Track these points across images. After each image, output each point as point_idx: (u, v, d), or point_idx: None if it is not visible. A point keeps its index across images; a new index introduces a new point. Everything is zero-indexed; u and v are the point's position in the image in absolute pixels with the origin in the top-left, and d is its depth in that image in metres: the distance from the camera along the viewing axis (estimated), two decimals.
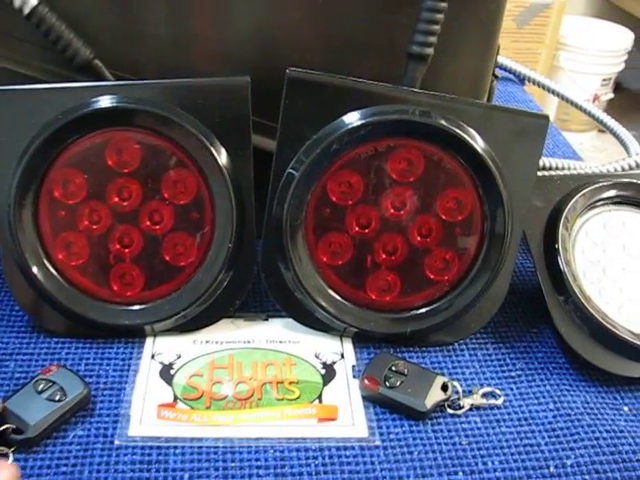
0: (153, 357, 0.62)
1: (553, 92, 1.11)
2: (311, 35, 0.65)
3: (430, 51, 0.62)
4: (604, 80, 2.87)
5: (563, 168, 0.86)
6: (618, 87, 3.11)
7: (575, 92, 1.13)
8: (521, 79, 1.20)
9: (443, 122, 0.59)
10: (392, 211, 0.61)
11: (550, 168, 0.86)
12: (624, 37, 2.85)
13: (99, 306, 0.62)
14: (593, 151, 2.76)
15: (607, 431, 0.57)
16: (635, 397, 0.62)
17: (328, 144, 0.59)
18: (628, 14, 2.96)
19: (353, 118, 0.59)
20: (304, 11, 0.63)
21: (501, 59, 1.13)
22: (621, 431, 0.58)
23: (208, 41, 0.65)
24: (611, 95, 2.95)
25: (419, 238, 0.62)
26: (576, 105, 1.10)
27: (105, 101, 0.59)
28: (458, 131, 0.59)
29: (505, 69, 1.14)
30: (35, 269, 0.60)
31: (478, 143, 0.59)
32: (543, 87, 1.12)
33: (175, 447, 0.54)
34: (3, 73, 0.64)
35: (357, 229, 0.62)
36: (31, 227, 0.60)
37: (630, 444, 0.56)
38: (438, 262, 0.62)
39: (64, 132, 0.59)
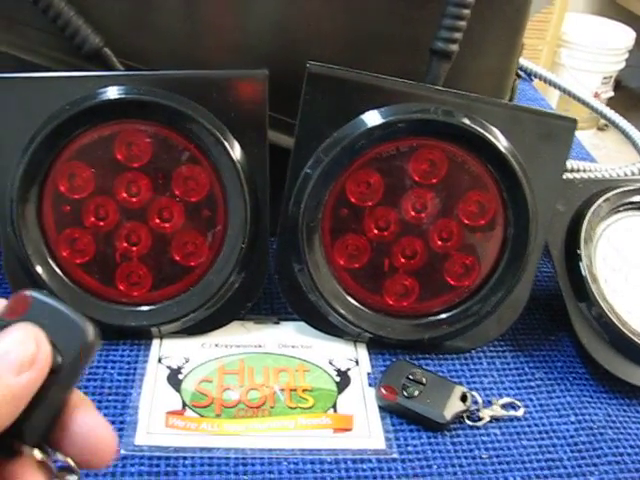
0: (160, 361, 0.59)
1: (556, 86, 1.08)
2: (332, 29, 0.62)
3: (455, 48, 0.59)
4: (605, 78, 2.86)
5: (579, 170, 0.84)
6: (618, 85, 3.11)
7: (580, 89, 1.11)
8: (528, 74, 1.18)
9: (467, 122, 0.57)
10: (412, 214, 0.59)
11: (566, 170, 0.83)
12: (626, 35, 2.84)
13: (104, 306, 0.60)
14: (592, 149, 2.73)
15: (631, 446, 0.55)
16: None
17: (348, 143, 0.56)
18: (630, 12, 2.94)
19: (374, 116, 0.57)
20: (325, 3, 0.61)
21: None
22: None
23: (224, 31, 0.62)
24: (611, 93, 2.94)
25: (439, 242, 0.60)
26: (581, 100, 1.08)
27: (115, 92, 0.56)
28: (482, 131, 0.57)
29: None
30: (39, 267, 0.58)
31: (503, 144, 0.57)
32: (546, 81, 1.10)
33: (184, 457, 0.51)
34: (8, 60, 0.61)
35: (376, 231, 0.59)
36: (34, 223, 0.58)
37: None
38: (458, 267, 0.60)
39: (71, 123, 0.56)
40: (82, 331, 0.36)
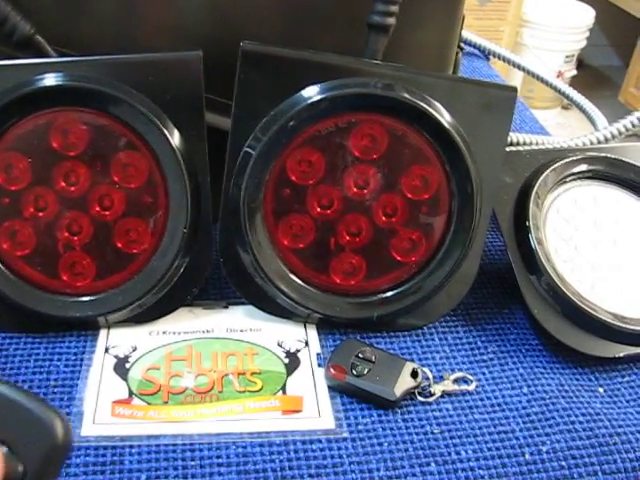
0: (107, 351, 0.58)
1: (519, 67, 1.08)
2: (267, 6, 0.61)
3: (392, 21, 0.58)
4: (567, 57, 2.87)
5: (531, 143, 0.84)
6: (581, 64, 3.12)
7: (541, 68, 1.11)
8: (486, 54, 1.18)
9: (407, 95, 0.56)
10: (355, 190, 0.58)
11: (518, 143, 0.83)
12: (586, 14, 2.86)
13: (48, 298, 0.59)
14: (557, 128, 2.76)
15: (583, 414, 0.55)
16: (610, 378, 0.60)
17: (286, 120, 0.55)
18: None
19: (312, 92, 0.56)
20: None
21: (466, 34, 1.10)
22: (597, 414, 0.55)
23: (158, 13, 0.61)
24: (574, 72, 2.95)
25: (384, 218, 0.59)
26: (543, 80, 1.08)
27: (48, 79, 0.55)
28: (423, 104, 0.56)
29: (470, 44, 1.12)
30: None
31: (444, 117, 0.57)
32: (509, 62, 1.10)
33: (131, 446, 0.51)
34: None
35: (319, 210, 0.59)
36: None
37: (607, 427, 0.54)
38: (405, 243, 0.60)
39: (4, 113, 0.55)
40: (49, 430, 0.28)
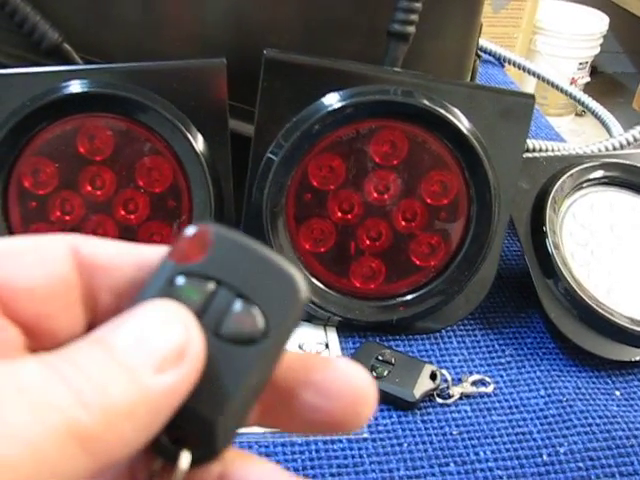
0: None
1: (534, 74, 1.09)
2: (289, 14, 0.62)
3: (412, 29, 0.60)
4: (580, 64, 2.87)
5: (547, 150, 0.85)
6: (594, 71, 3.12)
7: (555, 75, 1.12)
8: (501, 61, 1.19)
9: (426, 102, 0.57)
10: (375, 195, 0.59)
11: (534, 150, 0.84)
12: (599, 21, 2.86)
13: None
14: (571, 135, 2.76)
15: (600, 417, 0.56)
16: (626, 381, 0.61)
17: (308, 126, 0.57)
18: None
19: (333, 99, 0.57)
20: None
21: (481, 41, 1.11)
22: (614, 416, 0.56)
23: (182, 22, 0.62)
24: (588, 79, 2.96)
25: (404, 223, 0.60)
26: (557, 87, 1.09)
27: (75, 86, 0.56)
28: (442, 111, 0.57)
29: (485, 51, 1.13)
30: None
31: (463, 123, 0.58)
32: (524, 69, 1.11)
33: None
34: None
35: (339, 214, 0.60)
36: (0, 219, 0.58)
37: (623, 429, 0.55)
38: (424, 247, 0.61)
39: (33, 119, 0.56)
40: (292, 284, 0.26)
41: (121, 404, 0.22)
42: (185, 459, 0.25)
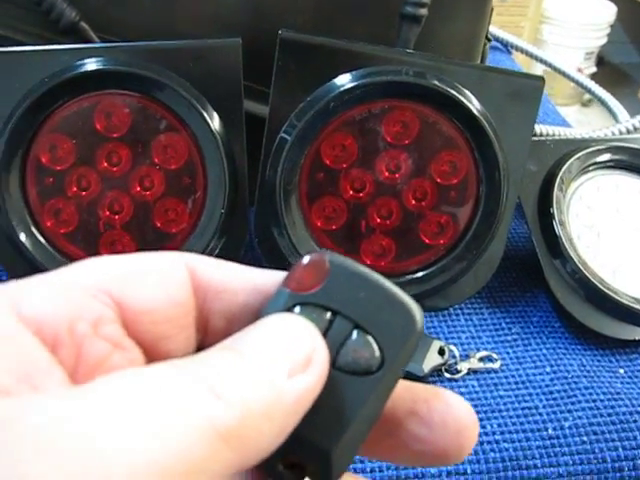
0: None
1: (542, 61, 1.10)
2: None
3: (424, 12, 0.60)
4: (587, 54, 2.88)
5: (554, 135, 0.86)
6: (601, 61, 3.12)
7: (562, 62, 1.13)
8: (508, 48, 1.20)
9: (438, 83, 0.58)
10: (387, 174, 0.61)
11: (541, 135, 0.85)
12: (607, 10, 2.86)
13: None
14: (577, 124, 2.76)
15: (604, 393, 0.57)
16: (630, 360, 0.62)
17: (321, 106, 0.58)
18: None
19: (346, 79, 0.58)
20: None
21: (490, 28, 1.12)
22: (617, 393, 0.57)
23: (197, 2, 0.63)
24: (594, 69, 2.96)
25: (414, 202, 0.61)
26: (564, 74, 1.10)
27: (93, 64, 0.57)
28: (453, 92, 0.58)
29: (493, 38, 1.13)
30: (22, 236, 0.59)
31: (473, 104, 0.59)
32: (532, 56, 1.12)
33: None
34: None
35: (351, 193, 0.61)
36: (18, 194, 0.59)
37: (627, 405, 0.56)
38: (433, 226, 0.62)
39: (51, 96, 0.57)
40: (408, 314, 0.26)
41: (259, 403, 0.23)
42: None
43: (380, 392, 0.26)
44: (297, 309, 0.27)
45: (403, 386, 0.29)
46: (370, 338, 0.26)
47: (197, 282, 0.28)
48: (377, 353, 0.26)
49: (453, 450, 0.28)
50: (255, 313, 0.28)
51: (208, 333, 0.29)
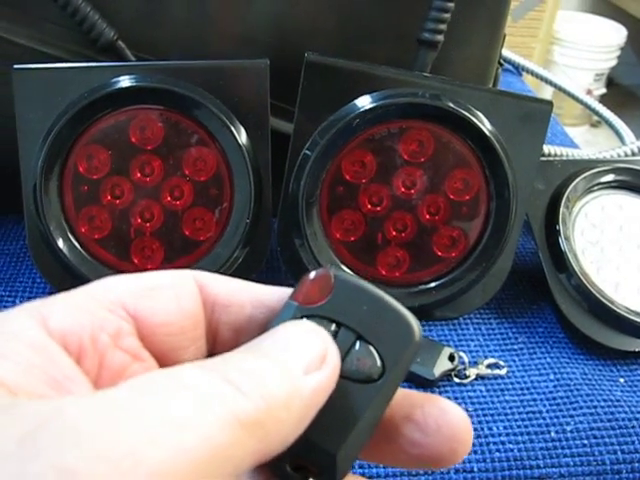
0: None
1: (551, 84, 1.14)
2: (326, 21, 0.67)
3: (440, 38, 0.64)
4: (597, 75, 2.91)
5: (561, 155, 0.89)
6: (610, 82, 3.16)
7: (572, 86, 1.16)
8: (519, 70, 1.23)
9: (452, 105, 0.62)
10: (403, 190, 0.64)
11: (549, 155, 0.89)
12: (617, 33, 2.89)
13: None
14: (585, 145, 2.80)
15: (604, 400, 0.60)
16: (630, 369, 0.65)
17: (343, 125, 0.61)
18: (621, 10, 3.00)
19: (367, 100, 0.62)
20: None
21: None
22: (617, 400, 0.61)
23: (227, 24, 0.67)
24: (604, 90, 2.99)
25: (428, 216, 0.65)
26: (572, 96, 1.13)
27: (129, 80, 0.61)
28: (466, 114, 0.62)
29: (504, 60, 1.17)
30: (60, 242, 0.63)
31: (485, 126, 0.62)
32: (540, 78, 1.16)
33: None
34: (29, 52, 0.66)
35: (369, 207, 0.65)
36: (56, 201, 0.63)
37: (626, 412, 0.59)
38: (445, 239, 0.65)
39: (89, 110, 0.61)
40: (407, 326, 0.28)
41: (278, 394, 0.24)
42: None
43: (381, 398, 0.28)
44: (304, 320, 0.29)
45: (401, 393, 0.30)
46: (372, 348, 0.28)
47: (206, 296, 0.30)
48: (378, 362, 0.28)
49: (447, 455, 0.29)
50: (261, 326, 0.30)
51: (217, 344, 0.31)
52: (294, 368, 0.26)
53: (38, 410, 0.22)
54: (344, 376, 0.28)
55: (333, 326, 0.29)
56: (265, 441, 0.24)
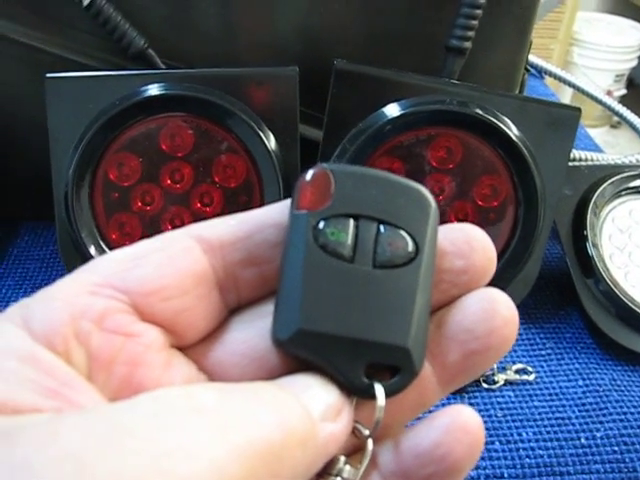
0: None
1: (570, 84, 1.14)
2: (354, 29, 0.68)
3: (468, 45, 0.65)
4: (617, 76, 2.90)
5: (587, 160, 0.89)
6: (631, 83, 3.14)
7: (592, 87, 1.16)
8: (540, 73, 1.23)
9: (480, 112, 0.62)
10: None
11: (574, 159, 0.89)
12: (637, 33, 2.88)
13: None
14: (605, 146, 2.78)
15: (634, 406, 0.61)
16: None
17: (372, 132, 0.62)
18: None
19: (395, 108, 0.62)
20: (348, 6, 0.66)
21: None
22: None
23: (256, 33, 0.68)
24: (624, 91, 2.98)
25: (456, 222, 0.65)
26: (593, 97, 1.13)
27: (160, 88, 0.62)
28: (494, 120, 0.62)
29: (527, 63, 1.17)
30: (92, 248, 0.64)
31: (513, 132, 0.62)
32: (561, 80, 1.15)
33: None
34: (61, 61, 0.67)
35: None
36: (87, 207, 0.63)
37: None
38: None
39: (121, 117, 0.62)
40: (420, 197, 0.27)
41: (297, 430, 0.24)
42: (380, 393, 0.26)
43: (426, 273, 0.27)
44: (321, 224, 0.27)
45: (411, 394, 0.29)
46: (399, 229, 0.27)
47: (208, 244, 0.28)
48: (409, 240, 0.27)
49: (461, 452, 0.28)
50: (277, 246, 0.29)
51: (241, 287, 0.29)
52: (314, 410, 0.25)
53: (32, 436, 0.20)
54: (382, 265, 0.27)
55: (351, 221, 0.27)
56: (277, 473, 0.23)
